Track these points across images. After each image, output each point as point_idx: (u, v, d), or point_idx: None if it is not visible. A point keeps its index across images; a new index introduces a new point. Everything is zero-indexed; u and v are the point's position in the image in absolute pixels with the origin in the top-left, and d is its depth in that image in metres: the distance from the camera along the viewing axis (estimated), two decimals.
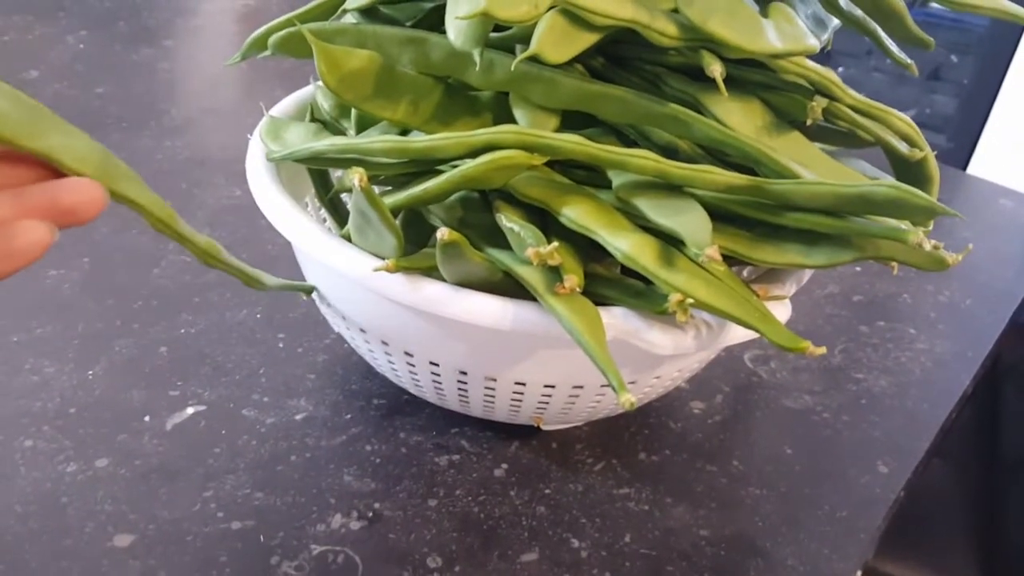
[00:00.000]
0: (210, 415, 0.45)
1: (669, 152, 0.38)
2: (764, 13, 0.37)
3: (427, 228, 0.41)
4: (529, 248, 0.32)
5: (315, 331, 0.51)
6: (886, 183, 0.32)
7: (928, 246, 0.33)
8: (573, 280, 0.33)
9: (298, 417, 0.45)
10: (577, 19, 0.33)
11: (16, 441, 0.42)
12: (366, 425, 0.45)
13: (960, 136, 1.70)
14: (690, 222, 0.33)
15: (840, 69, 1.87)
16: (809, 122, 0.36)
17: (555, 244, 0.32)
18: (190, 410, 0.45)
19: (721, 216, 0.36)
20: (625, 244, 0.34)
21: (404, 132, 0.39)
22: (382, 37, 0.38)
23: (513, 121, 0.38)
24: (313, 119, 0.45)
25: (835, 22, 0.42)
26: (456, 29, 0.33)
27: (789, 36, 0.35)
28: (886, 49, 0.41)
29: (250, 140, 0.42)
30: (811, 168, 0.37)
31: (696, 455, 0.46)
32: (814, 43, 0.36)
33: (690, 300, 0.33)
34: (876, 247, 0.35)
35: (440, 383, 0.41)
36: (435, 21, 0.39)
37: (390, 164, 0.36)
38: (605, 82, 0.37)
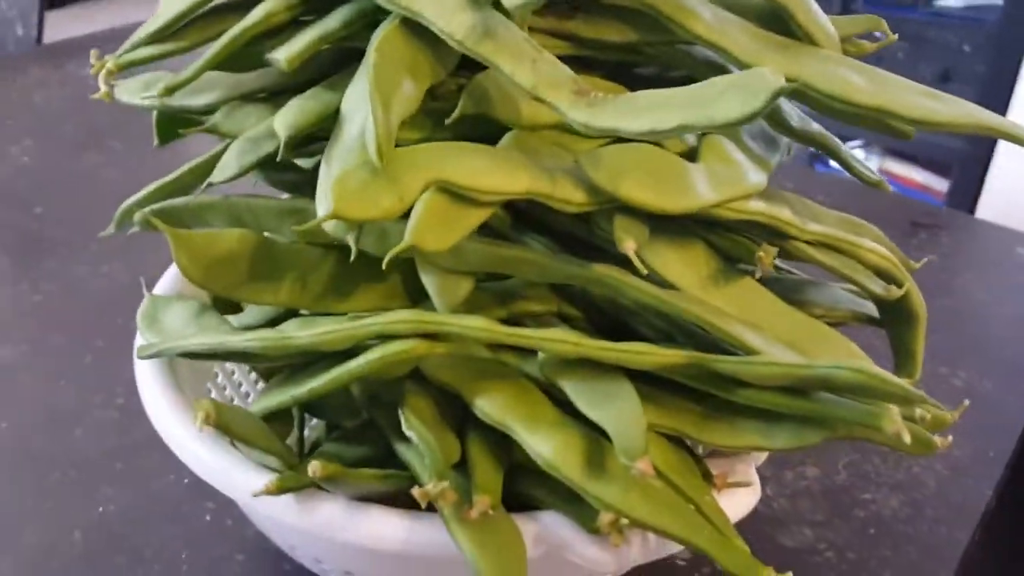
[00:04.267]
0: None
1: (609, 301, 0.33)
2: (695, 152, 0.31)
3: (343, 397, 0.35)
4: (416, 488, 0.26)
5: None
6: (848, 366, 0.26)
7: (907, 437, 0.27)
8: (484, 504, 0.27)
9: None
10: (460, 198, 0.27)
11: None
12: None
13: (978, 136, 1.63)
14: (621, 418, 0.28)
15: None
16: (759, 275, 0.30)
17: (444, 484, 0.26)
18: None
19: (666, 386, 0.31)
20: (547, 447, 0.28)
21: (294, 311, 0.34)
22: (257, 210, 0.32)
23: (421, 285, 0.32)
24: None
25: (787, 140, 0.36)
26: (331, 194, 0.27)
27: (724, 180, 0.30)
28: (852, 168, 0.35)
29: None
30: (768, 327, 0.31)
31: None
32: (757, 180, 0.31)
33: (625, 520, 0.27)
34: (848, 426, 0.29)
35: None
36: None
37: (272, 359, 0.31)
38: (520, 237, 0.32)
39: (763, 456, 0.33)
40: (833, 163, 1.39)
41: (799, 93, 0.31)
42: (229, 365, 0.44)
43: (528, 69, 0.27)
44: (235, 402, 0.43)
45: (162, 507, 0.45)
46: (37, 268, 0.65)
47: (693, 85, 0.26)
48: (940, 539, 0.45)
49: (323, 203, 0.26)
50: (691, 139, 0.33)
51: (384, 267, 0.27)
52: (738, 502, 0.31)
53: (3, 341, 0.56)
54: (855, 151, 1.92)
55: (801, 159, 1.99)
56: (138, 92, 0.34)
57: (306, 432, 0.38)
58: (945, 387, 0.57)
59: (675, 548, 0.31)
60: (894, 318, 0.34)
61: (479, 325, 0.29)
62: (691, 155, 0.33)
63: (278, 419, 0.33)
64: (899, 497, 0.48)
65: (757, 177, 0.31)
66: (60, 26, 1.45)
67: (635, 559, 0.29)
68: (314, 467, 0.27)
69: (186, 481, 0.46)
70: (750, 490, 0.31)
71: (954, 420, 0.32)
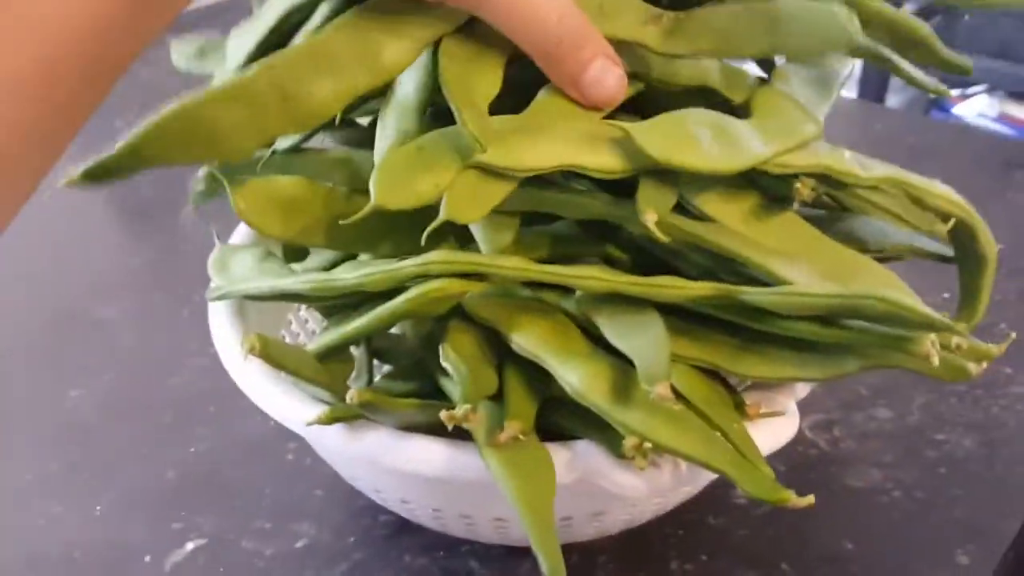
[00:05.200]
0: (210, 550, 0.43)
1: (652, 242, 0.33)
2: (750, 102, 0.32)
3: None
4: (443, 411, 0.28)
5: None
6: (875, 295, 0.26)
7: (936, 359, 0.27)
8: (513, 429, 0.29)
9: (299, 545, 0.43)
10: (491, 173, 0.29)
11: None
12: (370, 549, 0.42)
13: None
14: (645, 346, 0.28)
15: (966, 17, 1.70)
16: (796, 206, 0.30)
17: (468, 408, 0.28)
18: (190, 545, 0.43)
19: (703, 321, 0.31)
20: (575, 376, 0.29)
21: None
22: (308, 162, 0.34)
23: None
24: None
25: (843, 72, 0.35)
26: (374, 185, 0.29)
27: (776, 134, 0.30)
28: (907, 76, 0.35)
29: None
30: (807, 260, 0.31)
31: (737, 559, 0.41)
32: (811, 129, 0.30)
33: (648, 444, 0.28)
34: (884, 355, 0.29)
35: (420, 515, 0.37)
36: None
37: (322, 299, 0.33)
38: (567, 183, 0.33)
39: (805, 389, 0.33)
40: (955, 111, 1.34)
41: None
42: (303, 312, 0.47)
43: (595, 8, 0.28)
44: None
45: (248, 447, 0.48)
46: (138, 232, 0.69)
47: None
48: (1016, 479, 0.44)
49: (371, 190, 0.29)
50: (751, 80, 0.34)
51: (426, 236, 0.28)
52: (773, 432, 0.31)
53: (108, 301, 0.61)
54: (979, 96, 1.82)
55: (918, 105, 1.91)
56: (191, 59, 0.37)
57: (377, 378, 0.41)
58: None
59: (708, 477, 0.31)
60: (964, 259, 0.34)
61: (512, 264, 0.30)
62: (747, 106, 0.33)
63: (338, 358, 0.35)
64: (975, 437, 0.47)
65: (811, 126, 0.31)
66: None
67: (666, 485, 0.30)
68: (352, 394, 0.28)
69: (271, 424, 0.49)
70: (787, 420, 0.32)
71: (998, 353, 0.31)
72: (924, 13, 1.68)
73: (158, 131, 0.29)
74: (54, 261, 0.67)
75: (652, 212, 0.29)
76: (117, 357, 0.56)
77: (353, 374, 0.38)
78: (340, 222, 0.32)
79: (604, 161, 0.30)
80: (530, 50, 0.30)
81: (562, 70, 0.30)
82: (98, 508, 0.45)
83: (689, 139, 0.30)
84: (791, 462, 0.46)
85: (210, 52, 0.37)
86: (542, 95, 0.32)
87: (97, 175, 0.29)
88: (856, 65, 0.38)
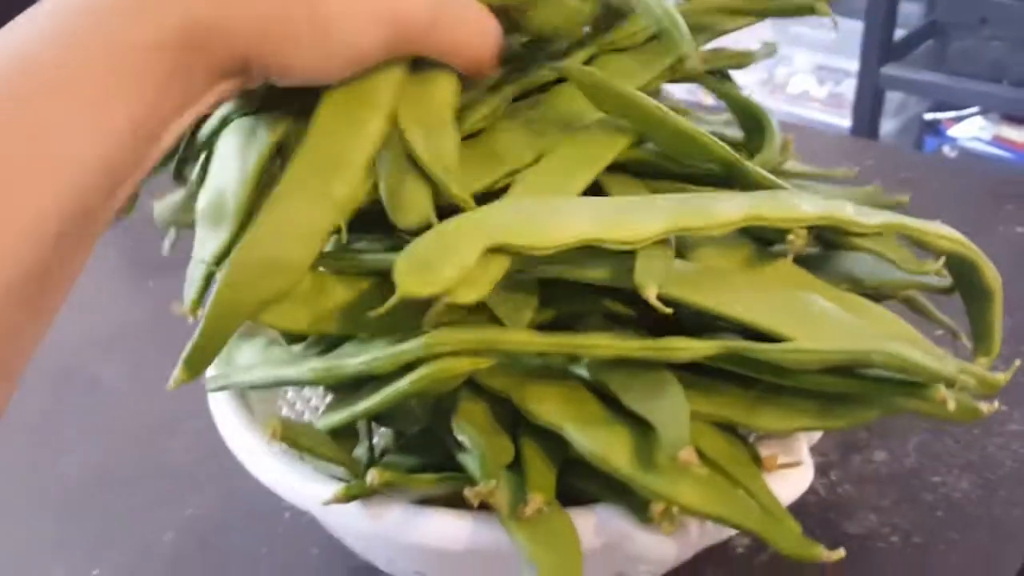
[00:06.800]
0: None
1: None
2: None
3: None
4: (467, 488, 0.28)
5: None
6: (878, 349, 0.27)
7: (952, 404, 0.27)
8: (537, 502, 0.28)
9: None
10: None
11: None
12: None
13: None
14: (665, 410, 0.29)
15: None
16: (791, 258, 0.31)
17: (493, 483, 0.28)
18: None
19: (717, 375, 0.31)
20: (596, 443, 0.29)
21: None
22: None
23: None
24: None
25: None
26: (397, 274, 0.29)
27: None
28: None
29: None
30: (804, 307, 0.31)
31: None
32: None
33: (675, 508, 0.28)
34: (902, 401, 0.29)
35: None
36: None
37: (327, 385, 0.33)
38: None
39: (817, 434, 0.34)
40: (950, 133, 1.33)
41: None
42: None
43: None
44: (306, 416, 0.45)
45: (244, 508, 0.47)
46: (136, 288, 0.69)
47: None
48: (1013, 521, 0.45)
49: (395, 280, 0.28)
50: None
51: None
52: (791, 482, 0.31)
53: (106, 360, 0.60)
54: (973, 118, 1.80)
55: (913, 128, 1.89)
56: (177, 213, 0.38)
57: (375, 439, 0.40)
58: None
59: (732, 531, 0.32)
60: (970, 294, 0.35)
61: (518, 338, 0.30)
62: None
63: (343, 433, 0.35)
64: (971, 479, 0.47)
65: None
66: None
67: (694, 545, 0.30)
68: (372, 475, 0.28)
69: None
70: (803, 469, 0.32)
71: (1004, 382, 0.31)
72: (915, 37, 1.71)
73: (231, 282, 0.30)
74: None
75: (652, 286, 0.29)
76: (115, 420, 0.55)
77: None
78: (369, 314, 0.32)
79: (622, 234, 0.30)
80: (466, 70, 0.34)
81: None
82: (95, 572, 0.44)
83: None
84: (790, 509, 0.46)
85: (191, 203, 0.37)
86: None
87: (198, 359, 0.31)
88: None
